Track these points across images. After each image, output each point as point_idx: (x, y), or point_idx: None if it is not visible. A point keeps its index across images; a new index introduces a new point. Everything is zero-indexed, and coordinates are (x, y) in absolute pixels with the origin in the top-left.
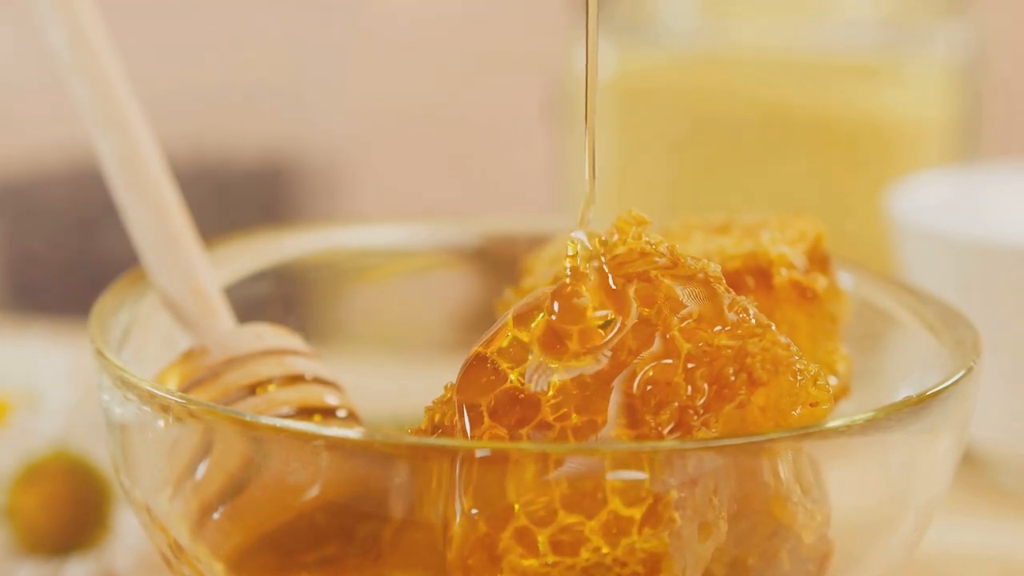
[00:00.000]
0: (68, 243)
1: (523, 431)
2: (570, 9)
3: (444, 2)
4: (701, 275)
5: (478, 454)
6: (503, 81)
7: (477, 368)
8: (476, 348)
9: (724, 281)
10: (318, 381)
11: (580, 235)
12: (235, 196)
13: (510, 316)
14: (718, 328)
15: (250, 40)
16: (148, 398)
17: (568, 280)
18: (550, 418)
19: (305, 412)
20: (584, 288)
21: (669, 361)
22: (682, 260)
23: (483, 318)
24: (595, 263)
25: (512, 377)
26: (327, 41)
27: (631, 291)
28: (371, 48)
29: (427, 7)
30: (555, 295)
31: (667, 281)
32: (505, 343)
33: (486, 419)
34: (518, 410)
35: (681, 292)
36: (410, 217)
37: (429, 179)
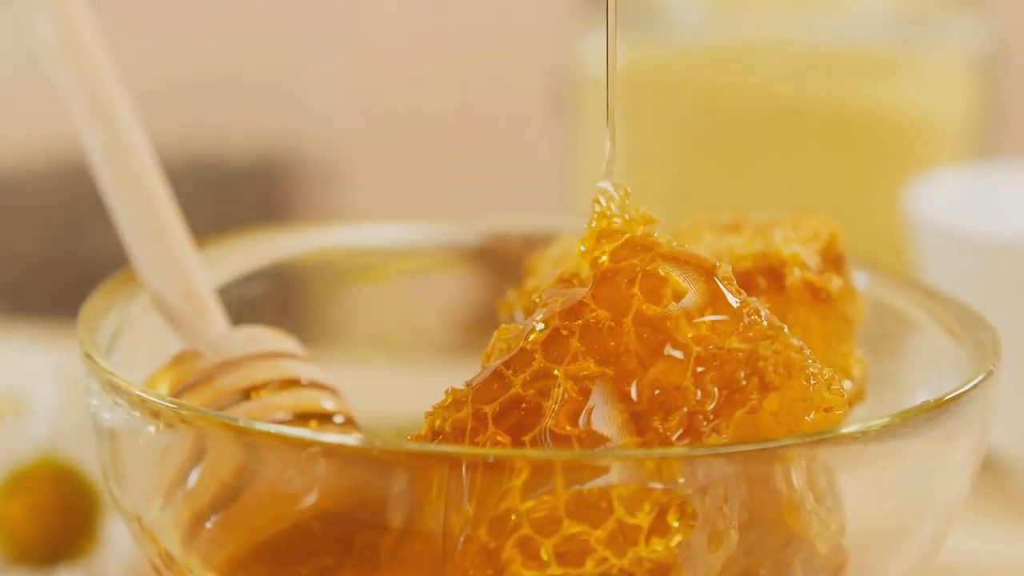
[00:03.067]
0: (55, 242)
1: (526, 438)
2: (574, 1)
3: None
4: None
5: (480, 461)
6: (506, 75)
7: (489, 379)
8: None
9: (735, 282)
10: (314, 385)
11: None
12: (229, 193)
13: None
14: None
15: (243, 32)
16: (138, 403)
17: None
18: (554, 425)
19: (301, 418)
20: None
21: (678, 364)
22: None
23: (485, 320)
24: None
25: (516, 384)
26: (324, 34)
27: (637, 291)
28: (369, 42)
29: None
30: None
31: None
32: (508, 350)
33: (490, 426)
34: (522, 417)
35: None
36: (410, 216)
37: (429, 176)
